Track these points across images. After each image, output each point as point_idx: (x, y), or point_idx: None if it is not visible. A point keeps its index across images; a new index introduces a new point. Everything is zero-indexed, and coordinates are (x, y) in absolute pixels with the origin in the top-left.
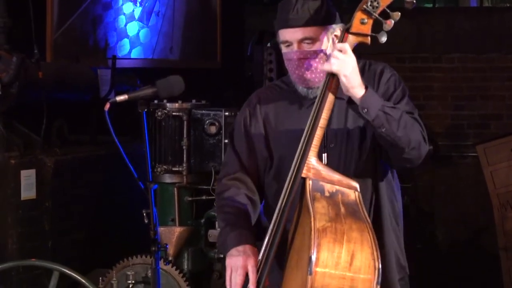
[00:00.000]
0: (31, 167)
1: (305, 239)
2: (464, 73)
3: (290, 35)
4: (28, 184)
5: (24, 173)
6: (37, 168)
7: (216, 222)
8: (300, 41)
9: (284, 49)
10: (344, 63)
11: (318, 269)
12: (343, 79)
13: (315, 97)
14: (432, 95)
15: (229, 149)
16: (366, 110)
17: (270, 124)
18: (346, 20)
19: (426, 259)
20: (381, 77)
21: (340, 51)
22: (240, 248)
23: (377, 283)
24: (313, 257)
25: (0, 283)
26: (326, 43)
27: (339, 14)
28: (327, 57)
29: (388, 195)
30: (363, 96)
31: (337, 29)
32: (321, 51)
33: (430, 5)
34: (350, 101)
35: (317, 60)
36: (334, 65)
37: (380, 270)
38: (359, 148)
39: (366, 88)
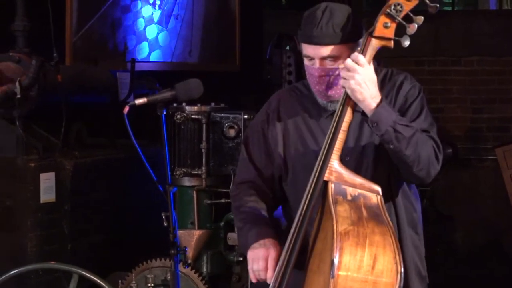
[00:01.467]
0: (51, 170)
1: (327, 243)
2: (483, 76)
3: (313, 51)
4: (47, 187)
5: (43, 176)
6: (56, 171)
7: (235, 224)
8: (323, 58)
9: (306, 62)
10: (350, 78)
11: (340, 272)
12: (348, 92)
13: (334, 110)
14: (451, 98)
15: (243, 152)
16: (376, 124)
17: (288, 131)
18: (367, 23)
19: (446, 262)
20: (400, 89)
21: (354, 61)
22: (261, 241)
23: (399, 287)
24: (336, 260)
25: (20, 286)
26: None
27: (360, 18)
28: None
29: (405, 206)
30: (374, 109)
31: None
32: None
33: (449, 8)
34: (364, 113)
35: (338, 77)
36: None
37: (403, 274)
38: (373, 160)
39: (381, 101)
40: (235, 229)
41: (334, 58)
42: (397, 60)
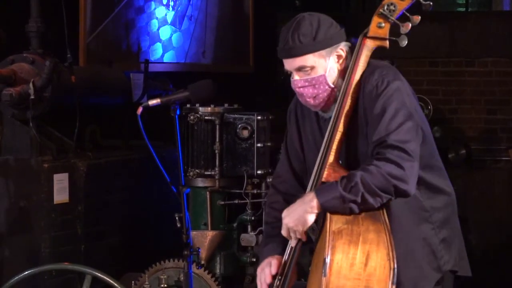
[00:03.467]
0: (64, 171)
1: (323, 242)
2: (497, 77)
3: (287, 65)
4: (61, 188)
5: (57, 177)
6: (70, 172)
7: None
8: (298, 70)
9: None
10: (293, 231)
11: (332, 271)
12: (301, 229)
13: (330, 117)
14: (465, 99)
15: (282, 148)
16: (332, 211)
17: (300, 132)
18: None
19: None
20: (367, 94)
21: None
22: (269, 258)
23: (392, 283)
24: (327, 259)
25: (33, 287)
26: (325, 66)
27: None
28: None
29: (406, 200)
30: (326, 209)
31: (338, 49)
32: (321, 76)
33: (463, 9)
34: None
35: (316, 86)
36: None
37: (396, 270)
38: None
39: (313, 196)
40: (248, 229)
41: (309, 67)
42: (411, 61)
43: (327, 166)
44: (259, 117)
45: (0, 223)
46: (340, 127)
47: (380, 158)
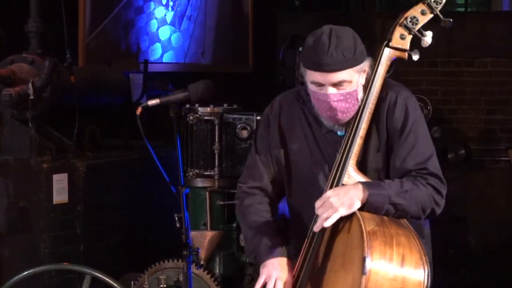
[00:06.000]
0: (64, 171)
1: (352, 242)
2: (497, 77)
3: (323, 78)
4: (60, 188)
5: (56, 177)
6: (69, 172)
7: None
8: (335, 84)
9: (313, 88)
10: (332, 211)
11: (372, 269)
12: (344, 212)
13: (333, 129)
14: (465, 99)
15: (252, 152)
16: (374, 211)
17: (288, 140)
18: (378, 25)
19: (459, 264)
20: (394, 112)
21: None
22: (275, 260)
23: (426, 286)
24: (368, 258)
25: (33, 287)
26: (358, 81)
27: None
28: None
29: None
30: (366, 203)
31: (366, 64)
32: (354, 91)
33: (463, 10)
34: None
35: (349, 101)
36: (329, 220)
37: (430, 274)
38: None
39: (366, 188)
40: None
41: (347, 82)
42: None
43: (348, 169)
44: (258, 117)
45: (0, 223)
46: (362, 132)
47: (424, 184)
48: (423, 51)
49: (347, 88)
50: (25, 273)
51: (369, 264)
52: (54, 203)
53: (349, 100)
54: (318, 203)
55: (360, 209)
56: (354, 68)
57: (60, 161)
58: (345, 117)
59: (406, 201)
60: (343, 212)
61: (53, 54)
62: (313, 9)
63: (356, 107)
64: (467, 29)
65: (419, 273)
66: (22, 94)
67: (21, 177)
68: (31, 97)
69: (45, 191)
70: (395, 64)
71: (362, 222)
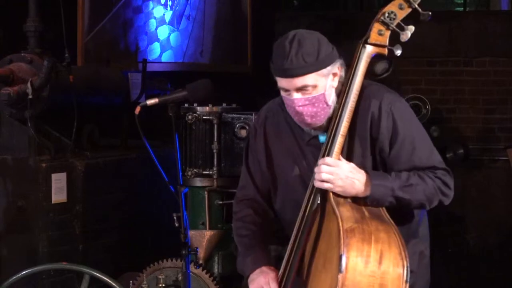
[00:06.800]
0: (62, 170)
1: (332, 241)
2: (495, 76)
3: (287, 83)
4: (59, 187)
5: (55, 177)
6: (68, 171)
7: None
8: (299, 89)
9: (282, 93)
10: (333, 179)
11: (349, 267)
12: (338, 190)
13: (316, 135)
14: (463, 99)
15: (243, 166)
16: (376, 202)
17: (272, 148)
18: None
19: (457, 263)
20: (380, 122)
21: (328, 165)
22: (258, 270)
23: (405, 281)
24: (344, 256)
25: (31, 286)
26: (325, 84)
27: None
28: (316, 171)
29: (403, 219)
30: (370, 194)
31: (335, 67)
32: (321, 95)
33: (461, 9)
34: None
35: (316, 105)
36: (324, 184)
37: (409, 268)
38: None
39: (370, 177)
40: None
41: (311, 86)
42: (409, 61)
43: None
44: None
45: None
46: (343, 131)
47: (432, 178)
48: (422, 50)
49: (313, 92)
50: (24, 272)
51: (345, 262)
52: (52, 202)
53: (316, 105)
54: (329, 161)
55: (362, 199)
56: (319, 72)
57: (59, 161)
58: (315, 121)
59: (408, 196)
60: (339, 188)
61: (52, 54)
62: (311, 9)
63: (327, 110)
64: (466, 28)
65: (398, 269)
66: (20, 93)
67: (20, 176)
68: (30, 96)
69: (44, 191)
70: (392, 64)
71: (339, 221)
